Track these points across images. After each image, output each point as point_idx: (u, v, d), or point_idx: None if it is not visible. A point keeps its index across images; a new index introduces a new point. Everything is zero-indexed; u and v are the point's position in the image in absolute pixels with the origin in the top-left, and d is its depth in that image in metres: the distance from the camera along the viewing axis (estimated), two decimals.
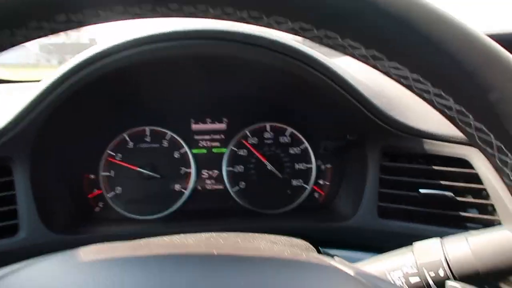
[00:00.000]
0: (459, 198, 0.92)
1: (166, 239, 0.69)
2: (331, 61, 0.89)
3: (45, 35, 0.35)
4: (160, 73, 1.04)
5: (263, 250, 0.52)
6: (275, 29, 0.40)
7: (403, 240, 0.94)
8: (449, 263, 0.57)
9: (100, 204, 1.15)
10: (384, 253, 0.65)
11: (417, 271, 0.59)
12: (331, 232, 0.99)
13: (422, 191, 0.93)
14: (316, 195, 1.20)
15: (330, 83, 0.88)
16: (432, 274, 0.58)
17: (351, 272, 0.46)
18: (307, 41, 0.94)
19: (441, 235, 0.92)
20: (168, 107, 1.19)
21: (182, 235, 0.80)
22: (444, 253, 0.59)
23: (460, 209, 0.94)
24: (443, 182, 0.94)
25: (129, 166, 1.15)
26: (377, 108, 0.92)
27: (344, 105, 0.92)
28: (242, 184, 1.19)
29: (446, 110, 0.35)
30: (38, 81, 0.91)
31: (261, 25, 0.40)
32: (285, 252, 0.52)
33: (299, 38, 0.41)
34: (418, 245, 0.62)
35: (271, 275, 0.43)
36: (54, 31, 0.35)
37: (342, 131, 1.07)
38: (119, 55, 0.88)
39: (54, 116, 0.91)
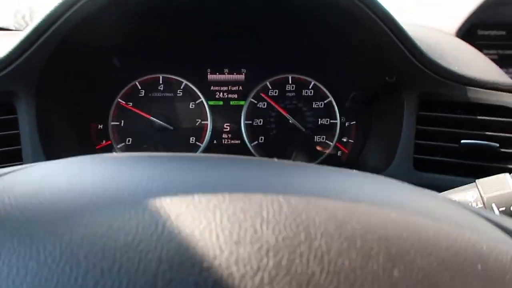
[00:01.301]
0: (503, 149, 0.85)
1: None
2: None
3: None
4: (176, 15, 0.95)
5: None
6: None
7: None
8: None
9: None
10: (443, 192, 0.58)
11: (482, 206, 0.52)
12: None
13: (464, 141, 0.85)
14: (339, 153, 1.12)
15: (374, 18, 0.79)
16: (502, 209, 0.51)
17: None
18: None
19: None
20: (184, 54, 1.10)
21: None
22: None
23: (504, 161, 0.87)
24: (485, 133, 0.87)
25: (141, 114, 1.07)
26: (418, 49, 0.84)
27: (383, 44, 0.84)
28: (261, 139, 1.11)
29: None
30: None
31: None
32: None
33: None
34: (482, 180, 0.55)
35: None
36: None
37: (373, 78, 0.99)
38: None
39: (61, 48, 0.82)
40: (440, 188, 0.86)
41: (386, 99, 0.97)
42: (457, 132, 0.87)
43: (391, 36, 0.81)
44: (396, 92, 0.91)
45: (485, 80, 0.87)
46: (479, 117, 0.87)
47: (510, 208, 0.50)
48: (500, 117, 0.86)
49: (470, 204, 0.53)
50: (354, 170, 0.41)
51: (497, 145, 0.84)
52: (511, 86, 0.87)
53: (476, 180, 0.56)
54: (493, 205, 0.51)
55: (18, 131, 0.83)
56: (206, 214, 0.22)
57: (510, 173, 0.55)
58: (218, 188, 0.25)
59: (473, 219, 0.28)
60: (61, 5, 0.76)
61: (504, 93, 0.86)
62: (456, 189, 0.57)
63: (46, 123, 0.87)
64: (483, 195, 0.52)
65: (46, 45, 0.79)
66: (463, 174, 0.87)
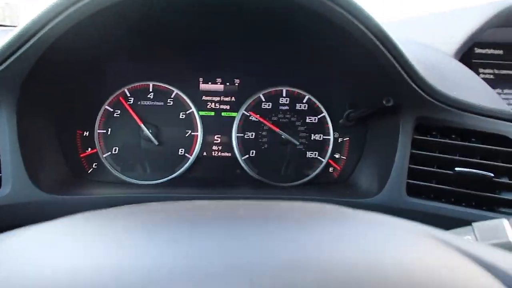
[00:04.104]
0: (495, 179, 0.84)
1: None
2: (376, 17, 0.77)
3: None
4: (169, 21, 0.91)
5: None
6: None
7: (432, 221, 0.87)
8: None
9: (94, 165, 1.04)
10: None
11: None
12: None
13: (458, 169, 0.84)
14: (331, 169, 1.10)
15: (373, 38, 0.76)
16: None
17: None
18: None
19: (474, 217, 0.85)
20: (176, 62, 1.06)
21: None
22: None
23: (496, 191, 0.85)
24: (480, 160, 0.85)
25: (129, 122, 1.03)
26: (417, 73, 0.82)
27: (381, 66, 0.81)
28: (252, 152, 1.08)
29: None
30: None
31: None
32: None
33: None
34: (479, 225, 0.53)
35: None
36: None
37: (370, 98, 0.97)
38: None
39: (46, 56, 0.78)
40: (433, 216, 0.86)
41: (381, 120, 0.95)
42: (452, 159, 0.86)
43: (391, 59, 0.79)
44: (392, 115, 0.89)
45: (482, 107, 0.85)
46: (474, 145, 0.86)
47: None
48: (496, 146, 0.85)
49: None
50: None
51: (492, 174, 0.82)
52: (509, 114, 0.85)
53: (473, 224, 0.54)
54: None
55: None
56: None
57: (508, 219, 0.53)
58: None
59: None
60: (48, 11, 0.72)
61: (501, 121, 0.85)
62: (451, 231, 0.56)
63: (28, 133, 0.83)
64: (479, 241, 0.50)
65: (31, 52, 0.75)
66: (456, 203, 0.85)
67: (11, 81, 0.78)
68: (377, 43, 0.77)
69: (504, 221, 0.52)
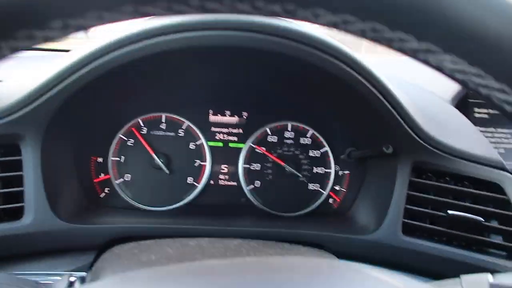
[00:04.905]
0: (486, 223, 0.90)
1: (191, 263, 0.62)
2: (374, 68, 0.84)
3: (37, 44, 0.29)
4: (182, 61, 0.97)
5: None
6: (311, 22, 0.35)
7: (424, 259, 0.93)
8: None
9: (106, 190, 1.09)
10: (427, 283, 0.62)
11: None
12: (350, 244, 0.96)
13: (451, 212, 0.90)
14: (331, 200, 1.16)
15: (373, 90, 0.83)
16: None
17: None
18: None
19: (464, 258, 0.90)
20: (187, 95, 1.12)
21: (204, 243, 0.75)
22: None
23: (485, 234, 0.91)
24: (471, 205, 0.91)
25: (141, 151, 1.09)
26: (415, 122, 0.88)
27: (382, 115, 0.87)
28: (257, 183, 1.14)
29: (506, 106, 0.32)
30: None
31: (297, 19, 0.36)
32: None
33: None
34: (467, 279, 0.59)
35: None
36: (48, 39, 0.29)
37: (370, 140, 1.03)
38: (141, 43, 0.80)
39: (71, 97, 0.84)
40: (425, 255, 0.91)
41: (380, 161, 1.01)
42: (446, 201, 0.92)
43: (390, 109, 0.85)
44: (390, 157, 0.95)
45: (475, 155, 0.91)
46: (467, 189, 0.92)
47: None
48: (487, 191, 0.91)
49: None
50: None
51: (482, 219, 0.88)
52: (499, 162, 0.91)
53: (461, 277, 0.60)
54: None
55: (21, 172, 0.85)
56: None
57: (492, 273, 0.58)
58: None
59: None
60: (75, 64, 0.78)
61: (490, 169, 0.91)
62: (438, 282, 0.61)
63: (50, 163, 0.89)
64: None
65: (58, 96, 0.80)
66: (448, 243, 0.91)
67: (41, 115, 0.83)
68: (376, 92, 0.83)
69: (489, 277, 0.57)
